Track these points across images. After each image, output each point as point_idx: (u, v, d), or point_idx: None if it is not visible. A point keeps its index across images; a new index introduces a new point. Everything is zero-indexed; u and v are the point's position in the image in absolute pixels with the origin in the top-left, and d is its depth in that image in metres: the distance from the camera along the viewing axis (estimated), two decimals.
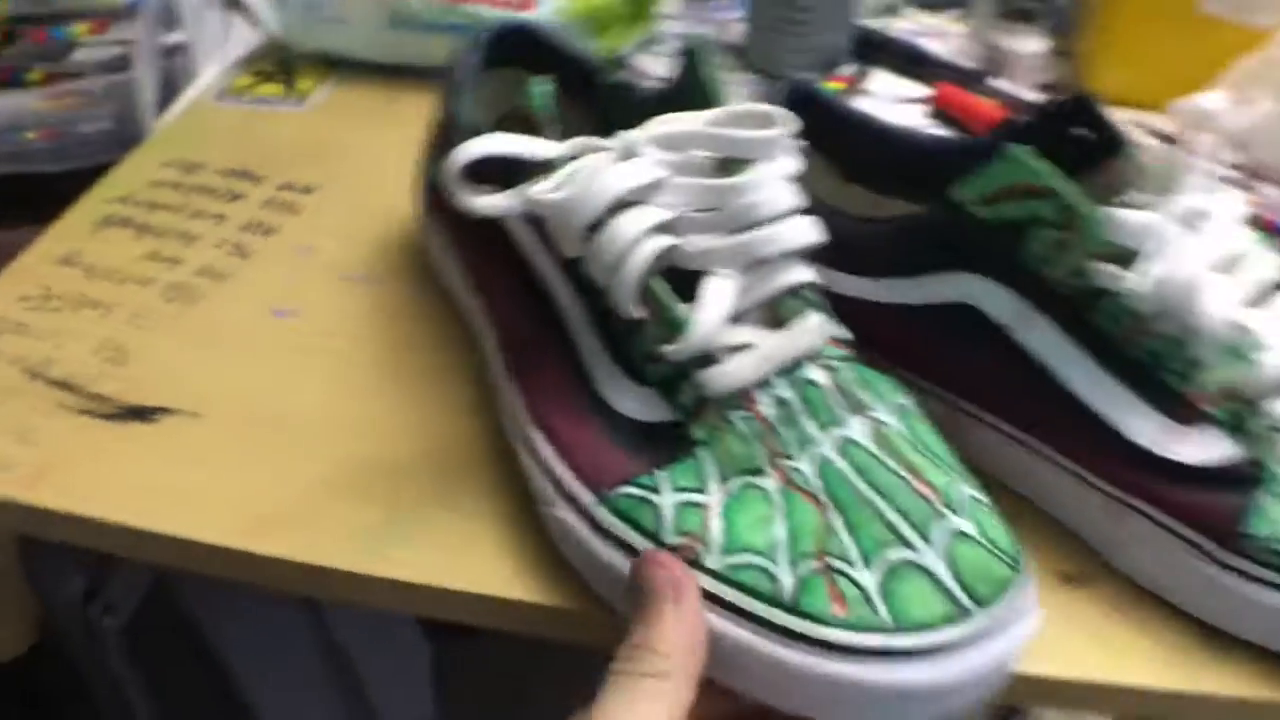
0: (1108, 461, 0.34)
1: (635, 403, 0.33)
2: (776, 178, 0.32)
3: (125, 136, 0.71)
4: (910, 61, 0.75)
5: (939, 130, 0.69)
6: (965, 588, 0.28)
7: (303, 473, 0.40)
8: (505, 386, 0.39)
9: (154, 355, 0.45)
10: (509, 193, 0.35)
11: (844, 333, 0.34)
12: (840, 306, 0.35)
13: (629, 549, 0.31)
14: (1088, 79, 0.79)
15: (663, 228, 0.32)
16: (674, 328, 0.31)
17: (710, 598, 0.29)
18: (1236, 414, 0.33)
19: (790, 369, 0.32)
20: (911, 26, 0.84)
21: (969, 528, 0.29)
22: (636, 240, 0.32)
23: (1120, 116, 0.75)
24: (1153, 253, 0.32)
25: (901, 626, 0.27)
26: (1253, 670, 0.33)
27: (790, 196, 0.33)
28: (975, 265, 0.35)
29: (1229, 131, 0.75)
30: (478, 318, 0.43)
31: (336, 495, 0.39)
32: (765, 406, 0.31)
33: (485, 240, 0.39)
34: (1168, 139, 0.75)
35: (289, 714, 0.81)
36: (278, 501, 0.38)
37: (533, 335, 0.37)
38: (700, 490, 0.31)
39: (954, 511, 0.29)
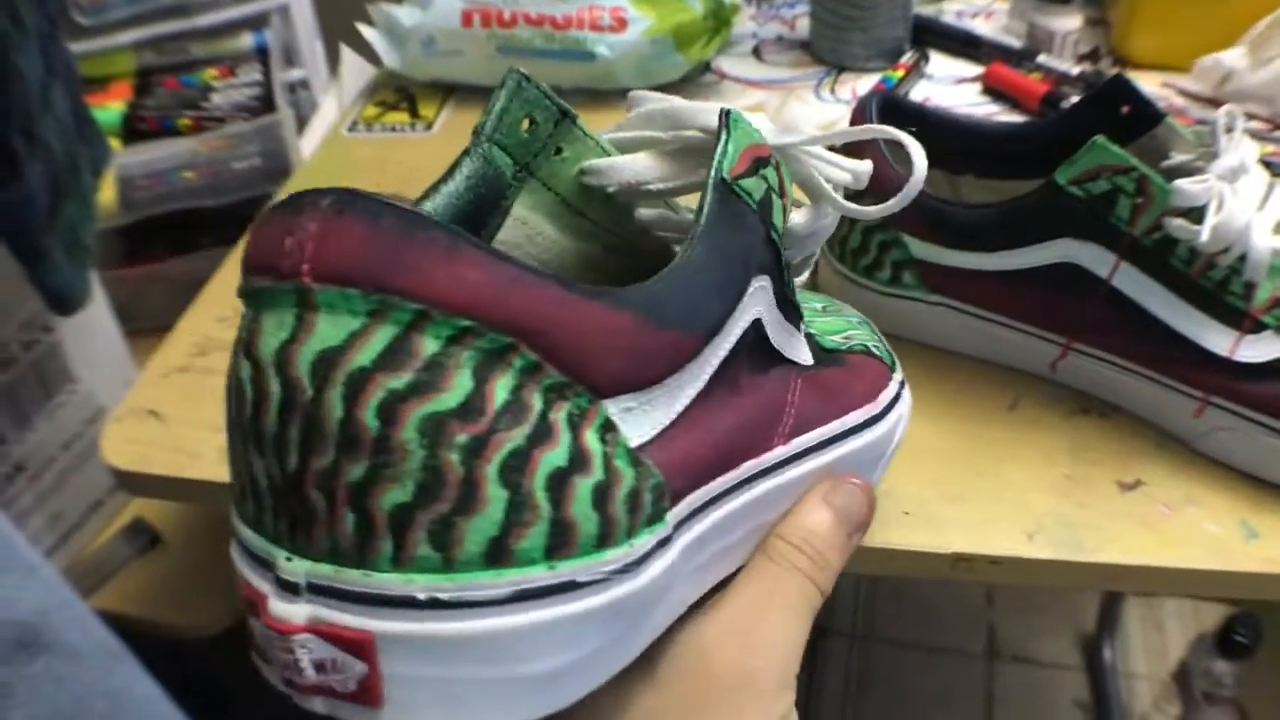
0: (1191, 370, 0.43)
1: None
2: None
3: (273, 170, 0.79)
4: (963, 45, 0.81)
5: (991, 105, 0.76)
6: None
7: None
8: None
9: None
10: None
11: None
12: (953, 277, 0.45)
13: None
14: (1120, 45, 0.85)
15: None
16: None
17: None
18: None
19: None
20: (961, 7, 0.91)
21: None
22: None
23: (1151, 77, 0.83)
24: (1212, 209, 0.41)
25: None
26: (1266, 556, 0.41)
27: None
28: (1073, 231, 0.44)
29: (1250, 86, 0.81)
30: None
31: None
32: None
33: None
34: (1195, 98, 0.82)
35: None
36: None
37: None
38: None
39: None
